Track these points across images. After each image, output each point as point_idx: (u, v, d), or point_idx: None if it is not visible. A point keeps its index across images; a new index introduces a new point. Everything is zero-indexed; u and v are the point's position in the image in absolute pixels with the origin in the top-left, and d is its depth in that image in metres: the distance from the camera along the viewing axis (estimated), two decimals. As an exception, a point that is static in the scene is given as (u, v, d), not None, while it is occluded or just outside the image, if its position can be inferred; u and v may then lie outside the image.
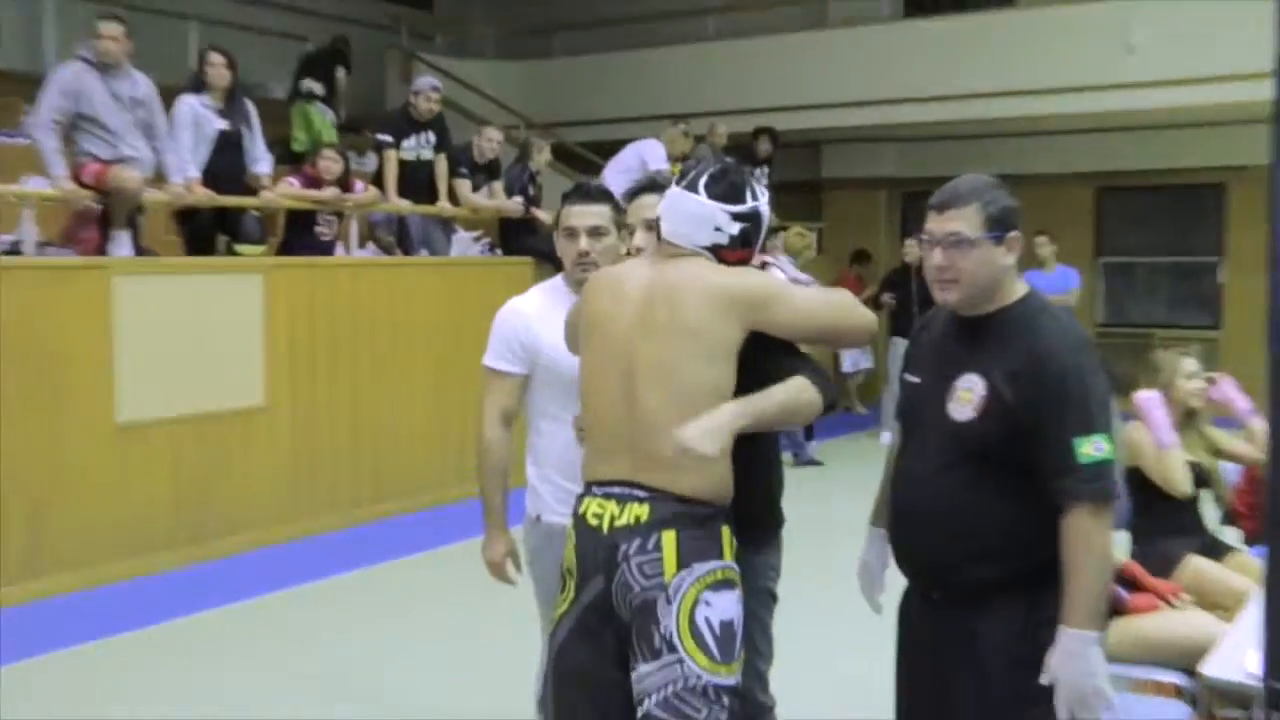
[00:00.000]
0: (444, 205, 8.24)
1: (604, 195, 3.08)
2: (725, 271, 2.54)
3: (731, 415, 2.39)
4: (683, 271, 2.53)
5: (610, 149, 10.01)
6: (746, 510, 2.60)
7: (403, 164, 8.13)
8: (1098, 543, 2.33)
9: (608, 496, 2.51)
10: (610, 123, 11.69)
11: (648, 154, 9.59)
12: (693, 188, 2.57)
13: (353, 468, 7.13)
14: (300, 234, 7.38)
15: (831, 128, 11.68)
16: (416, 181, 8.20)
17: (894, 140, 12.72)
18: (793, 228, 9.45)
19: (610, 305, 2.59)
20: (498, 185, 8.61)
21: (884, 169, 12.95)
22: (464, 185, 8.40)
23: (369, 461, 7.22)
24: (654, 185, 2.91)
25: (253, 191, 7.08)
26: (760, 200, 2.59)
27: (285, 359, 6.73)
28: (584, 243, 3.02)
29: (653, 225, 2.72)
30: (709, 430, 2.36)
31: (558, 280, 3.16)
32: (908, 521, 2.53)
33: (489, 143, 8.48)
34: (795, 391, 2.46)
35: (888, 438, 10.16)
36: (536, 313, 3.08)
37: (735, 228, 2.55)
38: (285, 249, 7.40)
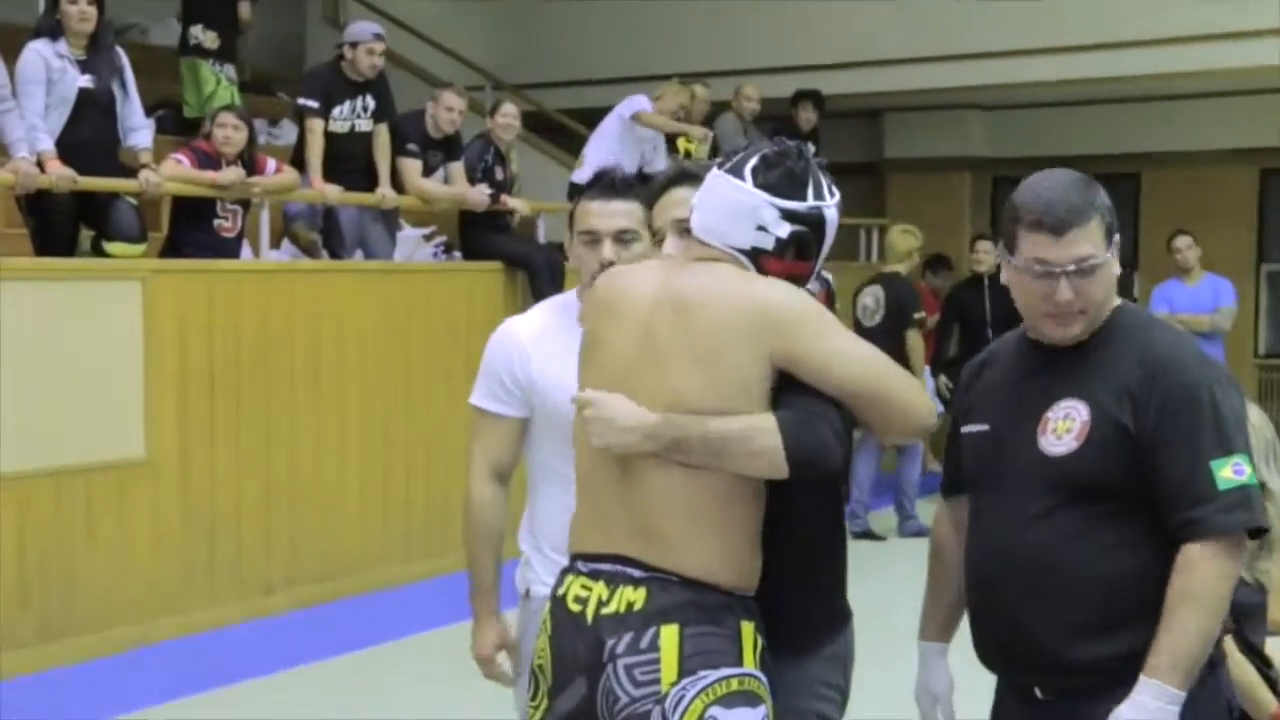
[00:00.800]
0: (385, 192, 8.24)
1: (633, 189, 3.16)
2: (752, 280, 2.57)
3: (657, 424, 2.50)
4: (698, 279, 2.57)
5: (602, 118, 10.03)
6: (790, 603, 2.63)
7: (331, 137, 8.15)
8: (1222, 586, 2.47)
9: (595, 575, 2.58)
10: (605, 84, 11.69)
11: (625, 107, 9.64)
12: (736, 171, 2.61)
13: (263, 541, 7.08)
14: (193, 228, 7.35)
15: (897, 91, 11.74)
16: (349, 161, 8.20)
17: (980, 108, 12.79)
18: (896, 225, 9.47)
19: (607, 325, 2.65)
20: (457, 167, 8.63)
21: (968, 146, 13.03)
22: (412, 167, 8.40)
23: (285, 533, 7.18)
24: (687, 175, 2.94)
25: (128, 171, 7.07)
26: (827, 200, 2.63)
27: (173, 396, 6.69)
28: (608, 250, 3.08)
29: (687, 227, 2.78)
30: (618, 422, 2.50)
31: (569, 297, 3.25)
32: (997, 594, 2.63)
33: (448, 112, 8.48)
34: (750, 430, 2.47)
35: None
36: (536, 339, 3.17)
37: (784, 229, 2.58)
38: (172, 248, 7.37)
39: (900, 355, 8.99)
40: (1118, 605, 2.51)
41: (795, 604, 2.67)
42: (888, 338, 8.97)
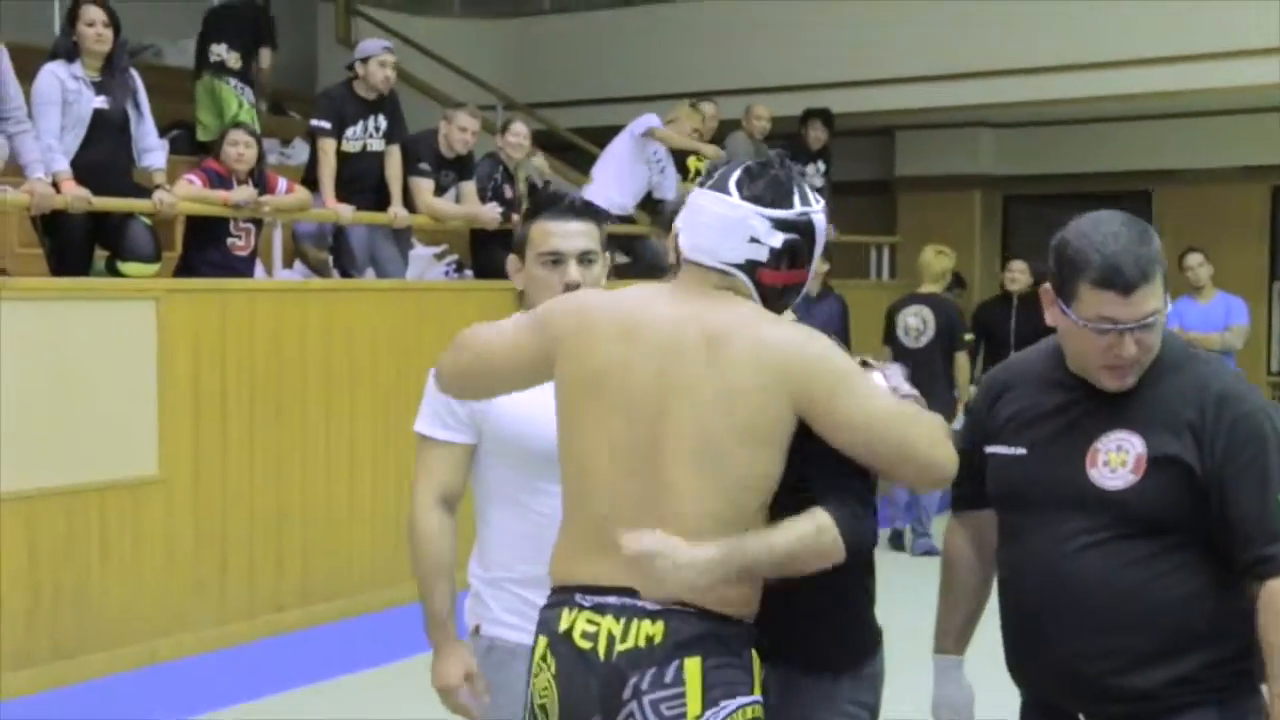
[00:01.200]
0: (397, 212, 8.27)
1: (590, 210, 3.15)
2: (784, 326, 2.55)
3: (719, 558, 2.43)
4: (725, 314, 2.53)
5: (612, 137, 10.08)
6: (826, 623, 2.66)
7: (343, 157, 8.20)
8: None
9: (600, 609, 2.52)
10: (615, 103, 11.74)
11: (637, 125, 9.68)
12: (721, 187, 2.59)
13: (276, 559, 7.10)
14: (206, 248, 7.40)
15: (907, 109, 11.77)
16: (361, 180, 8.26)
17: (991, 126, 12.80)
18: (929, 246, 9.49)
19: (624, 352, 2.56)
20: (469, 187, 8.68)
21: (978, 164, 13.01)
22: (424, 186, 8.45)
23: (298, 550, 7.20)
24: None
25: (142, 192, 7.10)
26: (813, 206, 2.61)
27: (186, 414, 6.72)
28: (574, 272, 3.04)
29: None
30: (680, 561, 2.41)
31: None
32: (1047, 621, 2.61)
33: (461, 132, 8.51)
34: (814, 537, 2.48)
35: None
36: None
37: (777, 239, 2.55)
38: (186, 267, 7.42)
39: (948, 376, 9.10)
40: (1173, 633, 2.52)
41: (830, 624, 2.70)
42: (935, 358, 9.04)
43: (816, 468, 2.52)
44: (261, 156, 7.56)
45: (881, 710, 2.82)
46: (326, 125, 8.14)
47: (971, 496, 2.86)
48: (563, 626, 2.54)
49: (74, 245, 7.00)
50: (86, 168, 6.80)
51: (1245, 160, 11.94)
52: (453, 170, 8.62)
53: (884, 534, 9.15)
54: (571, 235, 3.06)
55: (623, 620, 2.49)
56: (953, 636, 2.91)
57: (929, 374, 8.86)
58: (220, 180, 7.36)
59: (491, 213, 8.51)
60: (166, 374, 6.62)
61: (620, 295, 2.70)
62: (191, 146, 8.99)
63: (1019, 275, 9.97)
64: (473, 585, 3.16)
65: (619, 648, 2.48)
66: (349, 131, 8.22)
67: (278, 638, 6.94)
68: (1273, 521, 2.47)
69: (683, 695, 2.45)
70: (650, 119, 9.73)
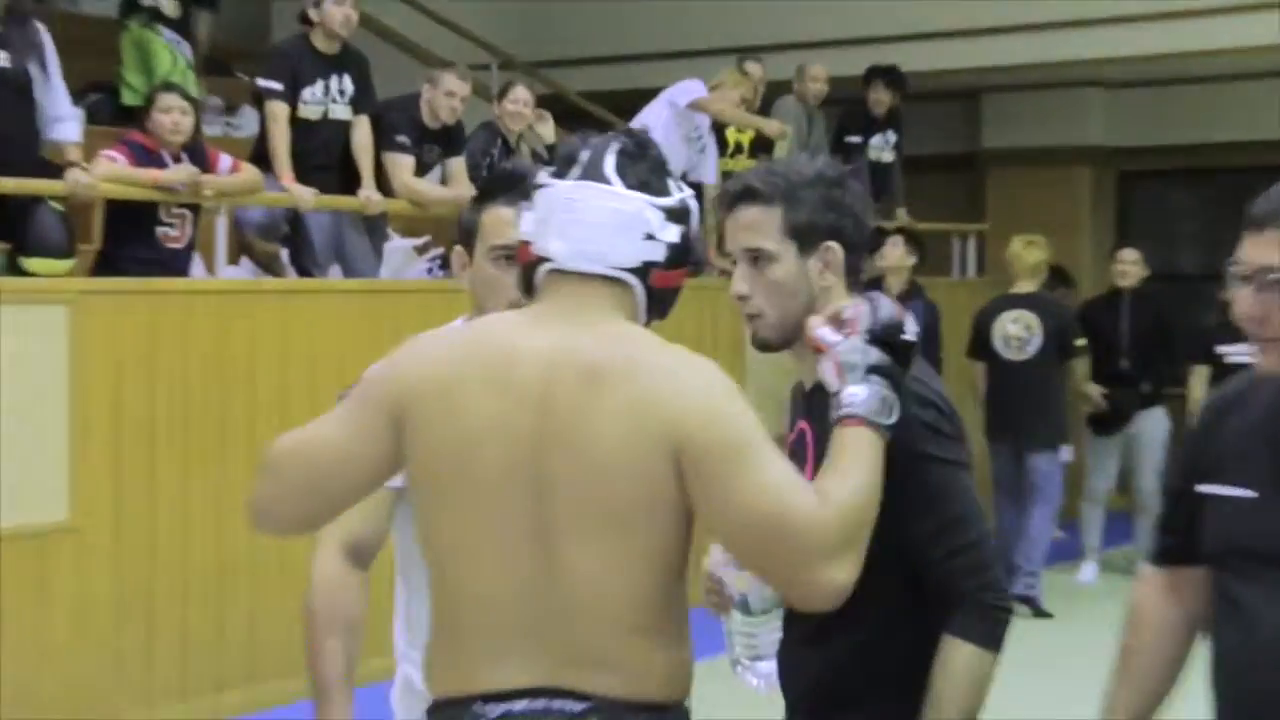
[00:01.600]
0: (369, 195, 8.26)
1: None
2: (670, 361, 2.51)
3: None
4: (604, 346, 2.51)
5: (637, 103, 10.12)
6: (892, 699, 2.73)
7: (300, 126, 8.19)
8: None
9: (509, 717, 2.51)
10: (639, 61, 11.91)
11: (679, 94, 9.68)
12: (596, 175, 2.57)
13: (215, 627, 7.09)
14: (131, 240, 7.44)
15: (997, 67, 11.79)
16: (321, 154, 8.29)
17: (1102, 86, 12.86)
18: (1017, 237, 9.53)
19: (496, 407, 2.53)
20: (457, 164, 8.72)
21: (1087, 134, 13.09)
22: (402, 164, 8.48)
23: (242, 617, 7.18)
24: (755, 194, 2.92)
25: (52, 170, 7.10)
26: (686, 190, 2.65)
27: (106, 445, 6.72)
28: None
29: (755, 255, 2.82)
30: None
31: (459, 327, 3.16)
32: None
33: (448, 98, 8.52)
34: (975, 686, 2.69)
35: (1090, 574, 9.91)
36: None
37: (672, 232, 2.58)
38: (107, 264, 7.46)
39: (1059, 392, 9.19)
40: None
41: (899, 699, 2.74)
42: (1046, 373, 9.09)
43: (913, 540, 2.64)
44: (199, 127, 7.50)
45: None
46: (278, 86, 8.12)
47: (1178, 548, 2.81)
48: None
49: (-32, 238, 7.05)
50: (-18, 141, 6.86)
51: None
52: (437, 144, 8.65)
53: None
54: None
55: None
56: (1128, 715, 2.87)
57: (1038, 394, 8.84)
58: (149, 156, 7.38)
59: (484, 197, 8.42)
60: (81, 395, 6.63)
61: (482, 332, 2.68)
62: (114, 114, 9.05)
63: (1130, 268, 9.83)
64: (404, 672, 3.17)
65: None
66: (305, 93, 8.21)
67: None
68: None
69: None
70: (695, 86, 9.76)
